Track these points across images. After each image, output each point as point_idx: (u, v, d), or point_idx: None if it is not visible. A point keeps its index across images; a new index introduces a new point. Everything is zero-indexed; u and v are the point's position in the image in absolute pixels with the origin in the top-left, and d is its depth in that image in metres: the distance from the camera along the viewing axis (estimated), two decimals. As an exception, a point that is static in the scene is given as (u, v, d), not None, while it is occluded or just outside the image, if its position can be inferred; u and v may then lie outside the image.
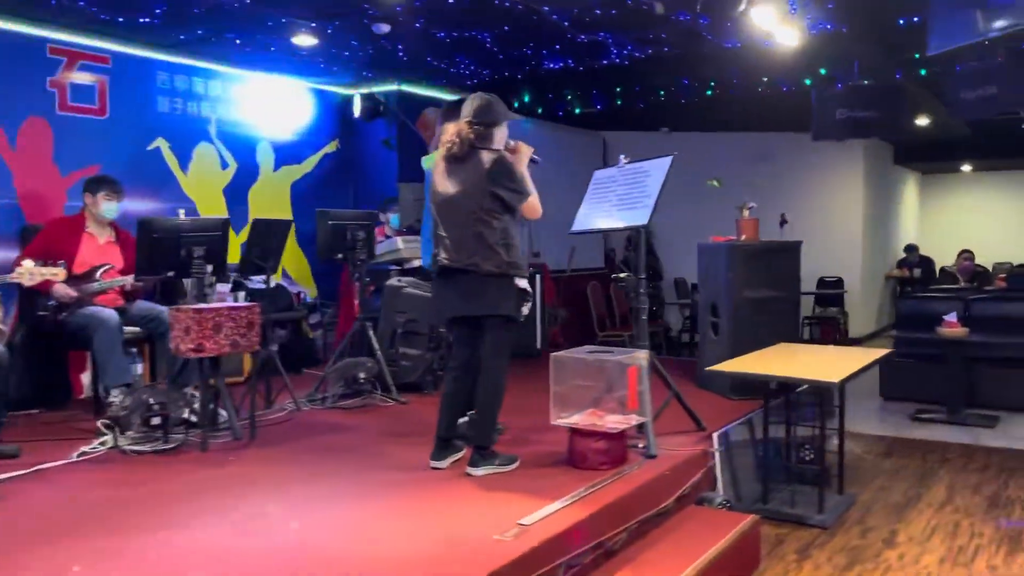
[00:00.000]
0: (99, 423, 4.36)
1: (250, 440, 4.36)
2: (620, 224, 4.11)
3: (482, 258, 3.57)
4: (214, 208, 6.49)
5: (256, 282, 6.49)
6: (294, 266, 7.16)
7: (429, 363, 5.60)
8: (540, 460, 3.87)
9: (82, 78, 5.65)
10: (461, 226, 3.60)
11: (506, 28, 5.94)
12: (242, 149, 6.77)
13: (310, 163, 7.39)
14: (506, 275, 3.61)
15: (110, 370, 4.70)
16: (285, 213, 6.99)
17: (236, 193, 6.71)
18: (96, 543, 2.89)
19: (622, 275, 4.26)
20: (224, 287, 6.18)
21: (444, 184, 3.68)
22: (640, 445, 3.97)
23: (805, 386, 4.20)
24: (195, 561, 2.74)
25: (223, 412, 4.47)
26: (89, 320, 4.75)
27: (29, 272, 4.03)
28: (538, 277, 7.20)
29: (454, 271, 3.66)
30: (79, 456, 4.06)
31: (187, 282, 4.98)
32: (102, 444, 4.21)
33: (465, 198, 3.59)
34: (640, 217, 3.98)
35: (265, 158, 6.99)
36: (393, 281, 5.74)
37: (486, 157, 3.59)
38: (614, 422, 3.75)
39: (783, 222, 5.67)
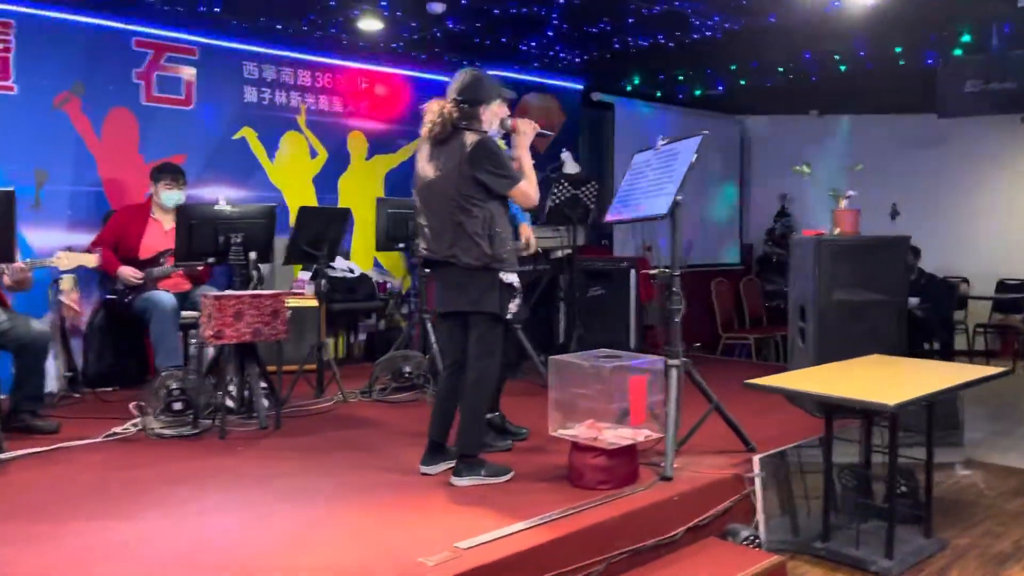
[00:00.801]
0: (131, 405, 4.47)
1: (273, 430, 4.30)
2: (643, 214, 3.62)
3: (461, 249, 3.25)
4: (302, 197, 6.55)
5: (338, 271, 6.51)
6: (386, 255, 7.11)
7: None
8: (541, 474, 3.50)
9: (169, 69, 5.86)
10: (440, 214, 3.30)
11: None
12: (332, 138, 6.79)
13: (405, 152, 7.31)
14: (489, 268, 3.27)
15: (161, 351, 4.82)
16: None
17: (326, 182, 6.75)
18: (35, 528, 2.87)
19: (653, 271, 3.78)
20: (305, 275, 6.23)
21: (425, 168, 3.38)
22: (662, 464, 3.49)
23: (867, 409, 3.52)
24: (109, 552, 2.65)
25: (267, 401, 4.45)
26: (147, 303, 4.90)
27: (66, 257, 4.23)
28: (632, 272, 6.73)
29: (435, 263, 3.37)
30: (106, 436, 4.17)
31: (263, 267, 4.99)
32: (133, 426, 4.31)
33: (445, 183, 3.28)
34: (660, 206, 3.48)
35: (356, 147, 6.98)
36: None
37: (469, 139, 3.26)
38: (617, 436, 3.30)
39: (894, 213, 4.87)
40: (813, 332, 4.76)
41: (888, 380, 3.74)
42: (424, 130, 3.37)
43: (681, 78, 7.50)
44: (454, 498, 3.20)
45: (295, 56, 6.52)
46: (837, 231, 4.75)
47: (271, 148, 6.45)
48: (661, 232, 6.85)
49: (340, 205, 6.70)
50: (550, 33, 6.15)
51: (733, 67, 7.08)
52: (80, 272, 4.70)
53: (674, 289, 3.72)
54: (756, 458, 3.66)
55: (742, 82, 7.42)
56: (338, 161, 6.86)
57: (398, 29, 6.01)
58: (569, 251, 6.30)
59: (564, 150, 6.61)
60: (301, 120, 6.63)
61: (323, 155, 6.78)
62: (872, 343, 4.50)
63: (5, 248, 3.85)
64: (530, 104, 7.63)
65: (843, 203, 4.78)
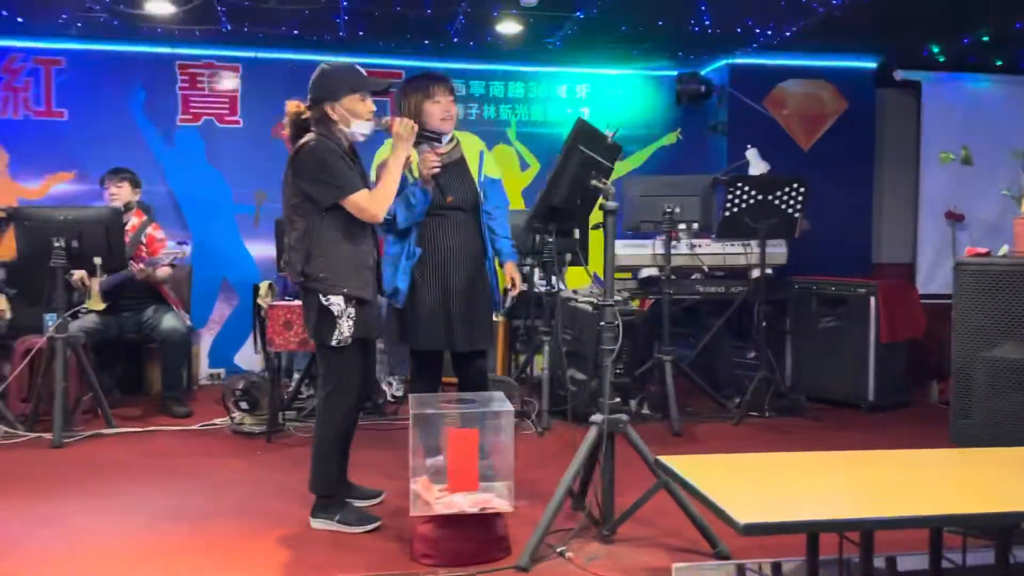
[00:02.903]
0: (231, 401, 4.93)
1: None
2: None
3: (287, 265, 2.95)
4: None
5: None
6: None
7: (594, 393, 4.63)
8: (407, 534, 2.97)
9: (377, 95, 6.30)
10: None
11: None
12: (546, 148, 6.57)
13: (638, 158, 6.71)
14: (307, 289, 2.90)
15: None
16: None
17: (537, 193, 6.55)
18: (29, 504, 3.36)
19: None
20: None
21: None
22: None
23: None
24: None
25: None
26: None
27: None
28: (872, 300, 5.21)
29: None
30: (201, 426, 4.70)
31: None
32: (231, 419, 4.76)
33: (283, 192, 2.99)
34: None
35: (576, 156, 6.63)
36: (568, 291, 4.91)
37: (301, 142, 2.93)
38: (456, 502, 2.64)
39: None
40: (979, 391, 3.16)
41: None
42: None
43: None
44: (284, 538, 2.91)
45: (505, 68, 6.47)
46: (1007, 250, 3.08)
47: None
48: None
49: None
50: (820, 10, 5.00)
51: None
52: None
53: (608, 321, 2.83)
54: (675, 567, 2.59)
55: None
56: (553, 172, 6.61)
57: (612, 22, 5.41)
58: (768, 271, 5.14)
59: (749, 146, 5.39)
60: (511, 132, 6.56)
61: (535, 166, 6.61)
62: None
63: (119, 257, 4.61)
64: (789, 92, 6.38)
65: (1032, 206, 3.08)
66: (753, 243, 5.10)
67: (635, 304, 5.76)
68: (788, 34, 5.67)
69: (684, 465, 2.30)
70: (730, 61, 6.30)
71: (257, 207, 6.24)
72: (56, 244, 4.36)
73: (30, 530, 3.00)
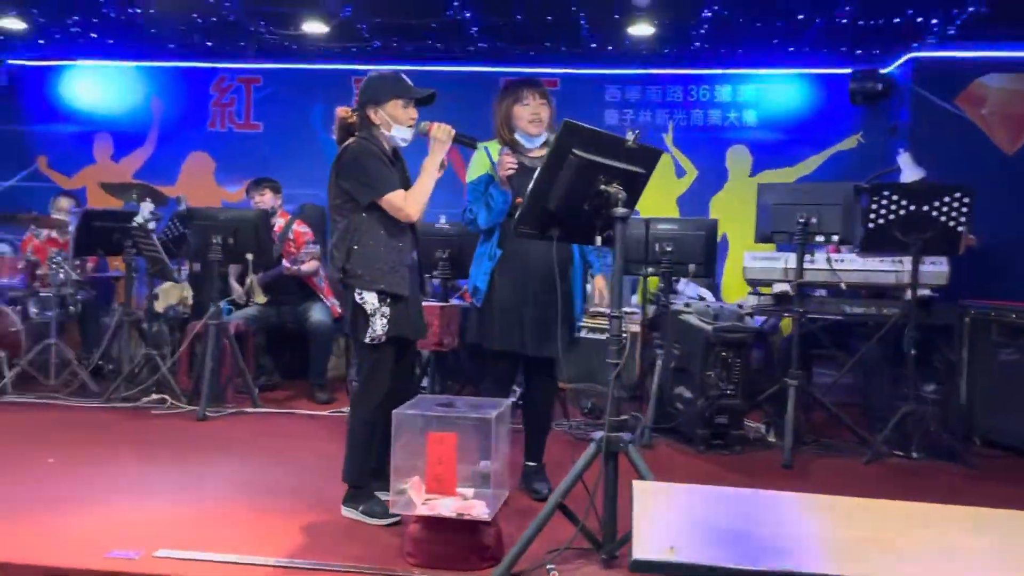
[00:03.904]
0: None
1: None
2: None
3: (331, 262, 3.10)
4: (665, 217, 6.28)
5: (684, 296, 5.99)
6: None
7: (701, 412, 4.35)
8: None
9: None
10: None
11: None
12: (706, 154, 6.28)
13: (811, 163, 6.20)
14: (346, 285, 3.03)
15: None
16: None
17: (693, 201, 6.29)
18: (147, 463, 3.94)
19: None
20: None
21: (333, 176, 3.27)
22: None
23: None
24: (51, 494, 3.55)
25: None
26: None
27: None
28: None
29: None
30: (331, 412, 5.07)
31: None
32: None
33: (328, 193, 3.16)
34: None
35: (738, 162, 6.27)
36: (679, 303, 4.63)
37: (346, 144, 3.08)
38: (439, 505, 2.66)
39: None
40: None
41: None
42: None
43: None
44: (311, 521, 3.09)
45: (664, 72, 6.28)
46: None
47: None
48: None
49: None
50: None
51: None
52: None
53: (614, 334, 2.69)
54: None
55: None
56: (712, 179, 6.30)
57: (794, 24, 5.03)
58: (926, 292, 4.53)
59: (901, 151, 4.72)
60: (668, 138, 6.34)
61: (692, 173, 6.34)
62: None
63: (267, 253, 5.11)
64: (990, 88, 5.56)
65: None
66: (907, 259, 4.51)
67: (785, 324, 5.35)
68: (985, 22, 4.96)
69: (651, 491, 2.13)
70: (914, 55, 5.62)
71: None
72: (214, 240, 4.94)
73: (130, 484, 3.46)
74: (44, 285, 5.49)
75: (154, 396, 5.06)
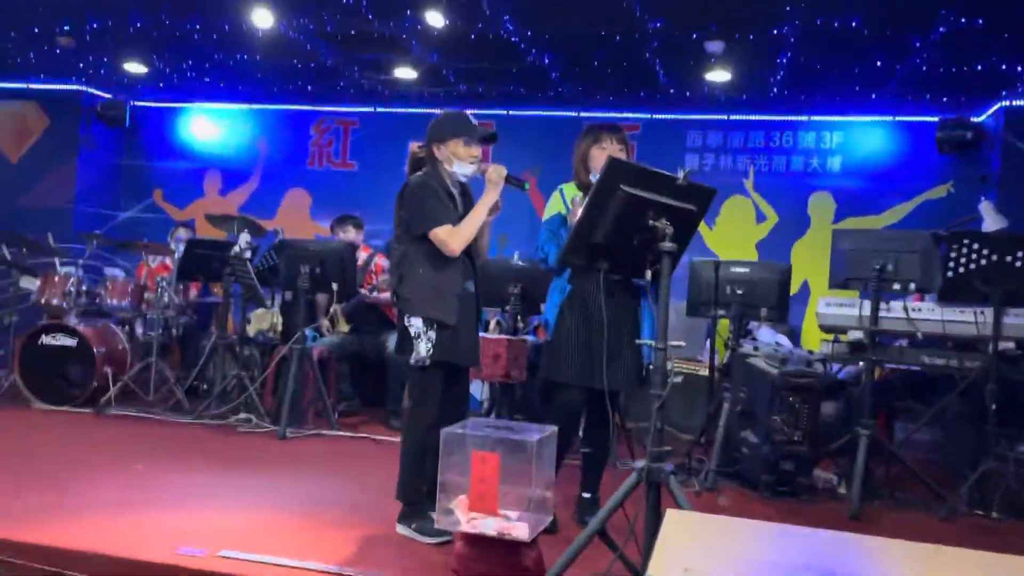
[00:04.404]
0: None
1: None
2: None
3: (389, 285, 3.28)
4: (744, 263, 6.26)
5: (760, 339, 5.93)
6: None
7: (766, 458, 4.29)
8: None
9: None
10: None
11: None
12: (788, 200, 6.25)
13: (899, 211, 6.08)
14: (399, 309, 3.21)
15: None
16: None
17: (774, 247, 6.25)
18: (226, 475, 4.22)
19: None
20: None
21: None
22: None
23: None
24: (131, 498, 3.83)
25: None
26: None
27: None
28: None
29: None
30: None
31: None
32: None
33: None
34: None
35: (821, 209, 6.20)
36: (749, 347, 4.59)
37: (408, 179, 3.28)
38: (483, 525, 2.76)
39: None
40: None
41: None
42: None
43: None
44: (365, 535, 3.23)
45: (746, 118, 6.31)
46: None
47: (710, 214, 6.37)
48: None
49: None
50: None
51: None
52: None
53: (658, 366, 2.75)
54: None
55: None
56: (794, 225, 6.25)
57: (874, 71, 4.98)
58: (1010, 345, 4.37)
59: (983, 199, 4.58)
60: (749, 183, 6.34)
61: (772, 219, 6.31)
62: None
63: (351, 284, 5.37)
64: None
65: None
66: (989, 310, 4.36)
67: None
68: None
69: (683, 519, 2.18)
70: (1005, 104, 5.48)
71: (499, 250, 6.79)
72: (303, 270, 5.24)
73: (206, 491, 3.70)
74: (150, 308, 5.93)
75: (241, 415, 5.36)
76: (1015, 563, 2.00)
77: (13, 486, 3.59)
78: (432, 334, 3.18)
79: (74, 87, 7.35)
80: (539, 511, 2.79)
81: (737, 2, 3.98)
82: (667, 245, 2.74)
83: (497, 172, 3.26)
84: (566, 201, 3.50)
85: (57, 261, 6.00)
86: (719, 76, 5.28)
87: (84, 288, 5.83)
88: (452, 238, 3.18)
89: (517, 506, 2.81)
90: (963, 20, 4.12)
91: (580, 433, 3.93)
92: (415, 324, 3.19)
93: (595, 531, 2.72)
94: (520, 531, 2.71)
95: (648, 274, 2.90)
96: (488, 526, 2.73)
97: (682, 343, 2.85)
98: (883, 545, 2.05)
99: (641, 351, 3.55)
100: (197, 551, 2.89)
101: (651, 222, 2.77)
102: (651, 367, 2.90)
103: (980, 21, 4.07)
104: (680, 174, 2.86)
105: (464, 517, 2.80)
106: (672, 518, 2.21)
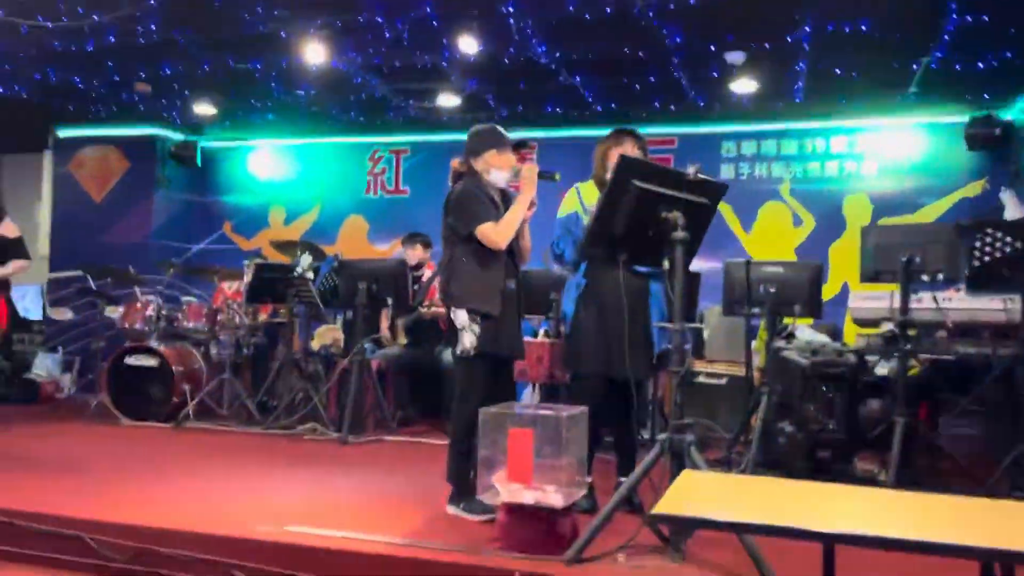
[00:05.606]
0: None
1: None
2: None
3: (438, 284, 3.61)
4: (784, 267, 6.43)
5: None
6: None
7: (802, 445, 4.46)
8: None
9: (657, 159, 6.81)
10: None
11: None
12: (823, 204, 6.41)
13: (935, 209, 6.18)
14: (449, 306, 3.53)
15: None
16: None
17: (812, 250, 6.40)
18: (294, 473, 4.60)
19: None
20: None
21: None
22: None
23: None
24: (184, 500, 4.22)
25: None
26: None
27: None
28: None
29: None
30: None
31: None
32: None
33: None
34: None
35: (856, 211, 6.35)
36: (781, 341, 4.77)
37: (452, 188, 3.63)
38: (519, 494, 3.04)
39: None
40: None
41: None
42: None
43: None
44: (417, 516, 3.54)
45: (778, 127, 6.51)
46: None
47: (747, 220, 6.58)
48: None
49: (829, 273, 6.24)
50: None
51: None
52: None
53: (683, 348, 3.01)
54: None
55: None
56: (830, 228, 6.40)
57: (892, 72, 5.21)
58: (1041, 330, 4.46)
59: (1004, 188, 4.68)
60: (784, 189, 6.53)
61: (809, 223, 6.47)
62: None
63: (404, 300, 5.74)
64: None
65: None
66: (1018, 297, 4.47)
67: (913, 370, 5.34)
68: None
69: (696, 476, 2.43)
70: (1034, 99, 5.61)
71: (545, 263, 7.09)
72: (360, 287, 5.63)
73: (276, 484, 4.08)
74: (224, 329, 6.40)
75: (307, 424, 5.75)
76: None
77: (113, 485, 4.01)
78: (476, 327, 3.49)
79: (150, 131, 7.99)
80: (572, 483, 3.06)
81: (749, 12, 4.25)
82: (679, 234, 3.01)
83: (530, 170, 3.58)
84: (582, 199, 3.76)
85: (138, 290, 6.53)
86: (744, 87, 5.52)
87: (163, 313, 6.33)
88: (496, 233, 3.50)
89: (552, 479, 3.09)
90: (968, 18, 4.28)
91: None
92: (460, 317, 3.51)
93: (622, 497, 2.98)
94: (555, 500, 2.98)
95: (665, 263, 3.17)
96: (525, 496, 3.01)
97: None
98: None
99: (652, 341, 3.75)
100: (268, 527, 3.23)
101: (664, 214, 3.06)
102: (665, 349, 3.14)
103: (985, 17, 4.23)
104: (690, 169, 3.14)
105: (504, 489, 3.09)
106: (687, 476, 2.47)
